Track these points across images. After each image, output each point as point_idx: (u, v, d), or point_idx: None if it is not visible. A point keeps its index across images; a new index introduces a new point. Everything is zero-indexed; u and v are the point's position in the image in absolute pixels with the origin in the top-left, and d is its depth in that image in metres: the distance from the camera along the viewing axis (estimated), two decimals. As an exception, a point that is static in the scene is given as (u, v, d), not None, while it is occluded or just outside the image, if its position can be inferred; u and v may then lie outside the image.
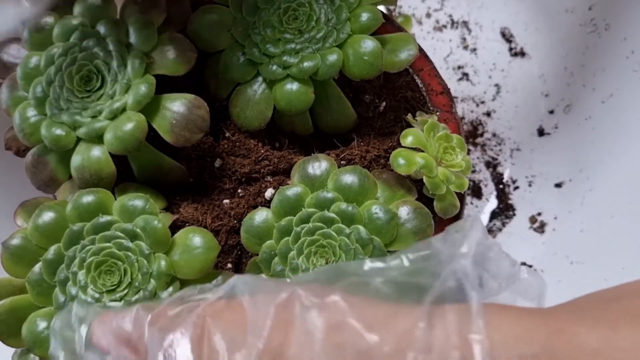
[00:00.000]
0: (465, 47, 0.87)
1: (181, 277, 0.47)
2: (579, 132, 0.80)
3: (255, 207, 0.54)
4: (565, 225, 0.76)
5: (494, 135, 0.83)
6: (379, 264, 0.36)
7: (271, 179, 0.56)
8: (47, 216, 0.48)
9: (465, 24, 0.88)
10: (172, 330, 0.35)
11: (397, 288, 0.36)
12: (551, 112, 0.83)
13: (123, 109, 0.50)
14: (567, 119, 0.82)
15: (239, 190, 0.56)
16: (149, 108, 0.50)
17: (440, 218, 0.53)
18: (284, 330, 0.34)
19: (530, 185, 0.81)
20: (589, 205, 0.75)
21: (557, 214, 0.78)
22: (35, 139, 0.51)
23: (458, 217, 0.56)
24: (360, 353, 0.32)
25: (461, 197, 0.55)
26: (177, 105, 0.50)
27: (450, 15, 0.88)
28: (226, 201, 0.55)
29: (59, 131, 0.50)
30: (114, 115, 0.50)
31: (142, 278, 0.47)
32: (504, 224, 0.80)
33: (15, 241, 0.48)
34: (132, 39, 0.52)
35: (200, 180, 0.56)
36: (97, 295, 0.47)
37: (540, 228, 0.78)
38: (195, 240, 0.48)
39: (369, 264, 0.36)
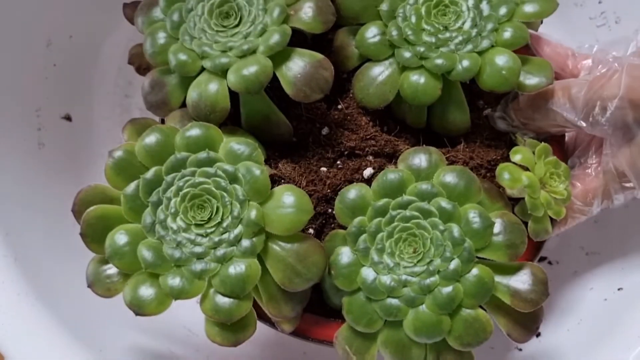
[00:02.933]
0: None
1: (269, 230, 0.43)
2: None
3: (351, 182, 0.50)
4: (580, 217, 0.71)
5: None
6: None
7: (372, 159, 0.52)
8: (157, 137, 0.45)
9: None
10: None
11: None
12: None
13: (253, 51, 0.46)
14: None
15: (339, 162, 0.52)
16: (278, 56, 0.47)
17: (528, 239, 0.49)
18: None
19: None
20: None
21: None
22: (160, 60, 0.48)
23: (544, 241, 0.51)
24: None
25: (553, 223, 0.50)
26: (305, 60, 0.47)
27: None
28: (324, 169, 0.51)
29: (185, 57, 0.47)
30: (242, 55, 0.47)
31: (231, 221, 0.43)
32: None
33: (120, 153, 0.45)
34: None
35: (304, 143, 0.52)
36: (184, 226, 0.44)
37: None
38: (291, 199, 0.43)
39: None
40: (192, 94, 0.47)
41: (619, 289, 0.59)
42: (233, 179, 0.44)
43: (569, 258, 0.68)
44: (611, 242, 0.66)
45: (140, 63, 0.52)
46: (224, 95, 0.46)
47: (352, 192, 0.46)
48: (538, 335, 0.62)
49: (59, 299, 0.45)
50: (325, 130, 0.52)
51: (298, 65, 0.47)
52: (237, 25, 0.48)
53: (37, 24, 0.63)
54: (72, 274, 0.46)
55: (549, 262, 0.68)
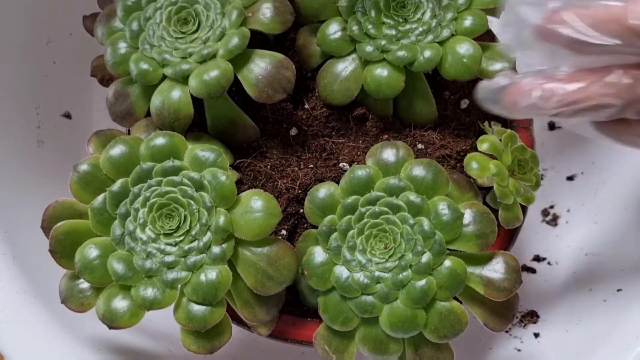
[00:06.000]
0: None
1: (238, 236, 0.42)
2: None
3: (321, 180, 0.49)
4: (579, 218, 0.69)
5: (504, 129, 0.76)
6: None
7: (346, 153, 0.51)
8: (121, 149, 0.43)
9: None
10: None
11: None
12: (562, 105, 0.75)
13: (213, 56, 0.45)
14: (578, 113, 0.74)
15: (309, 162, 0.51)
16: (238, 59, 0.45)
17: (501, 227, 0.48)
18: None
19: (541, 179, 0.73)
20: (602, 197, 0.68)
21: (570, 207, 0.70)
22: (122, 70, 0.47)
23: (518, 229, 0.50)
24: None
25: (524, 210, 0.49)
26: (266, 61, 0.46)
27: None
28: (295, 169, 0.50)
29: (146, 66, 0.46)
30: (203, 60, 0.45)
31: (199, 229, 0.42)
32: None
33: (86, 167, 0.44)
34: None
35: (272, 144, 0.51)
36: (153, 236, 0.43)
37: (553, 221, 0.71)
38: (259, 204, 0.42)
39: None
40: (155, 103, 0.46)
41: (618, 290, 0.58)
42: (199, 186, 0.43)
43: (568, 259, 0.67)
44: (611, 243, 0.65)
45: (102, 75, 0.51)
46: (186, 102, 0.45)
47: (321, 191, 0.44)
48: (537, 335, 0.61)
49: (57, 297, 0.44)
50: (293, 131, 0.51)
51: (259, 66, 0.45)
52: (195, 31, 0.46)
53: (37, 22, 0.62)
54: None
55: (549, 263, 0.67)
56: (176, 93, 0.45)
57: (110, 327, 0.42)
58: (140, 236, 0.43)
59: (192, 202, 0.42)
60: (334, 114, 0.51)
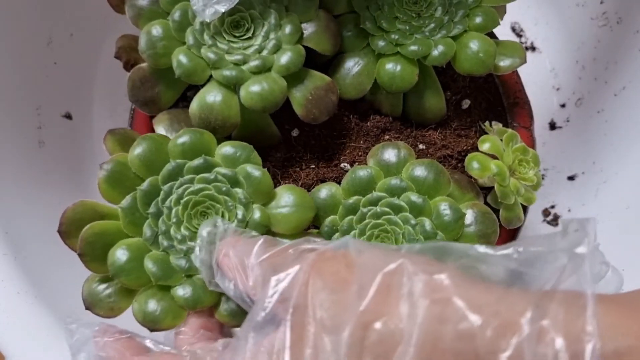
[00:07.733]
0: (475, 42, 0.82)
1: (275, 231, 0.43)
2: (591, 125, 0.73)
3: (323, 181, 0.50)
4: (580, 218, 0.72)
5: (506, 129, 0.78)
6: (489, 250, 0.32)
7: (348, 153, 0.52)
8: (150, 146, 0.42)
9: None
10: (282, 270, 0.34)
11: (506, 275, 0.33)
12: (563, 105, 0.76)
13: (269, 69, 0.45)
14: (579, 112, 0.75)
15: (311, 163, 0.51)
16: (290, 76, 0.45)
17: (502, 227, 0.50)
18: (386, 297, 0.30)
19: (542, 179, 0.72)
20: (603, 197, 0.69)
21: (571, 207, 0.72)
22: (163, 62, 0.44)
23: (519, 229, 0.53)
24: (460, 332, 0.29)
25: (525, 210, 0.51)
26: (316, 83, 0.46)
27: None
28: (296, 170, 0.51)
29: (193, 64, 0.44)
30: (258, 70, 0.45)
31: (236, 224, 0.42)
32: (516, 217, 0.74)
33: (113, 166, 0.42)
34: (292, 4, 0.46)
35: (274, 145, 0.51)
36: (189, 234, 0.42)
37: (554, 221, 0.72)
38: (293, 198, 0.43)
39: (479, 248, 0.32)
40: (203, 103, 0.44)
41: (618, 290, 0.61)
42: (234, 182, 0.43)
43: (569, 259, 0.69)
44: (611, 244, 0.64)
45: (128, 57, 0.47)
46: (236, 112, 0.45)
47: (323, 191, 0.45)
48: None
49: (58, 298, 0.43)
50: (295, 132, 0.51)
51: (308, 87, 0.46)
52: (250, 38, 0.45)
53: (38, 22, 0.60)
54: (72, 272, 0.44)
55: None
56: (228, 101, 0.44)
57: (152, 330, 0.41)
58: (175, 235, 0.42)
59: (228, 198, 0.42)
60: (335, 114, 0.51)
